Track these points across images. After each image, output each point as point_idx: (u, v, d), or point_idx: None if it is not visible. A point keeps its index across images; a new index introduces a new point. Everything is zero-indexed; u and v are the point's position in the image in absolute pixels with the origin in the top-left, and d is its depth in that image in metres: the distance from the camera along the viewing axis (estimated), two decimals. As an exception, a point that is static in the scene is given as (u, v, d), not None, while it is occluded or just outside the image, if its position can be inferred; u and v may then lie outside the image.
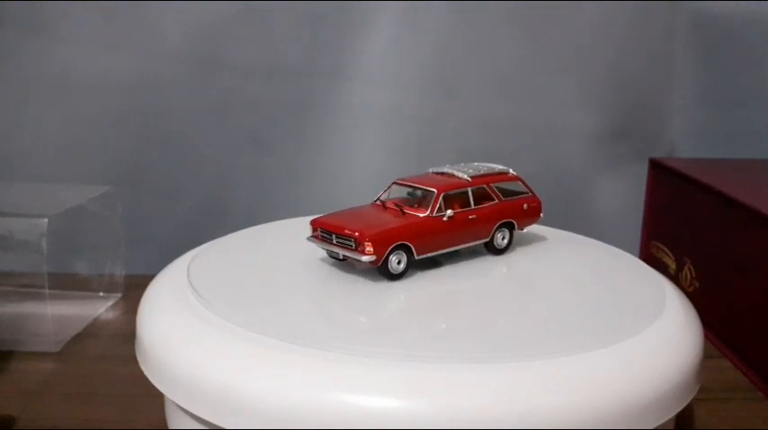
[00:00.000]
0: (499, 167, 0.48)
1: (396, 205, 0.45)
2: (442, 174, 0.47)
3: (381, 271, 0.42)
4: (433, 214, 0.43)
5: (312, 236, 0.45)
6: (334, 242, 0.43)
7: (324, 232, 0.44)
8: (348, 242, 0.42)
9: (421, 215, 0.43)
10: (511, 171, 0.48)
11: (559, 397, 0.32)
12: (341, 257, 0.43)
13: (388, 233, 0.42)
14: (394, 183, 0.46)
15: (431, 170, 0.48)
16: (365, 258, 0.41)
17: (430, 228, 0.43)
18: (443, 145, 0.73)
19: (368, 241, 0.41)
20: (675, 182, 0.68)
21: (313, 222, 0.44)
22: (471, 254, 0.47)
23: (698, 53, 0.74)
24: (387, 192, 0.46)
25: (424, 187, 0.45)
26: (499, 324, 0.38)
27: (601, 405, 0.32)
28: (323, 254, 0.46)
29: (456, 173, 0.46)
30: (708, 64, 0.74)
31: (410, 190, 0.46)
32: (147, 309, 0.41)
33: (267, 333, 0.35)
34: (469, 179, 0.46)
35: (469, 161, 0.50)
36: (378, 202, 0.46)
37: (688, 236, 0.66)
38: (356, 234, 0.41)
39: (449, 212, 0.44)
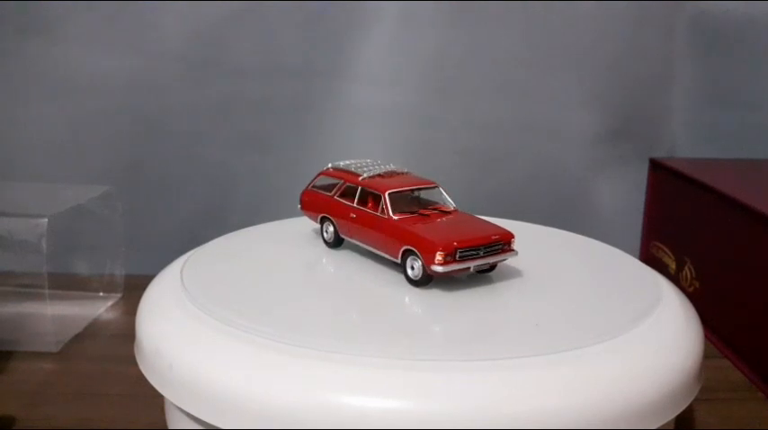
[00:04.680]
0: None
1: (434, 209, 0.45)
2: (393, 174, 0.47)
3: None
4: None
5: (451, 262, 0.40)
6: (482, 254, 0.41)
7: (467, 250, 0.41)
8: (495, 247, 0.42)
9: (454, 209, 0.45)
10: None
11: (559, 397, 0.32)
12: (487, 268, 0.42)
13: None
14: (388, 193, 0.44)
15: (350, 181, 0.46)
16: (513, 254, 0.42)
17: None
18: (443, 145, 0.73)
19: (513, 238, 0.42)
20: (675, 182, 0.68)
21: (447, 248, 0.40)
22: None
23: (698, 53, 0.74)
24: (388, 204, 0.43)
25: (428, 186, 0.46)
26: (497, 324, 0.38)
27: (601, 405, 0.32)
28: (323, 254, 0.46)
29: (397, 170, 0.47)
30: (708, 64, 0.74)
31: (408, 194, 0.46)
32: (146, 310, 0.41)
33: (265, 334, 0.35)
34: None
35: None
36: (412, 212, 0.44)
37: (688, 236, 0.66)
38: (505, 237, 0.42)
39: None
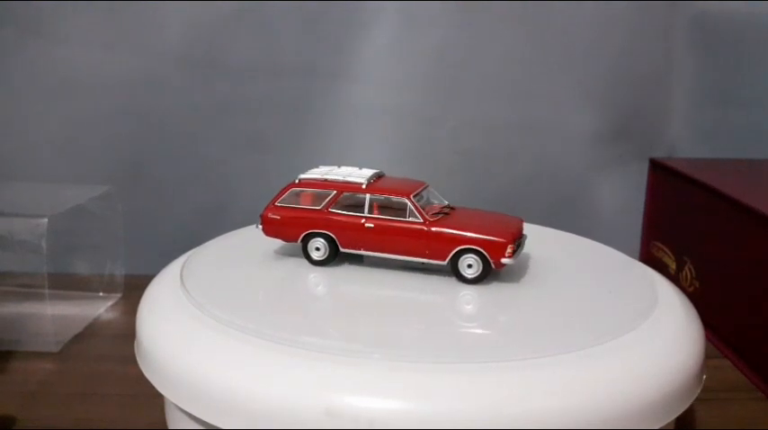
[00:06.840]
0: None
1: (445, 207, 0.45)
2: (379, 178, 0.46)
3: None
4: None
5: (513, 255, 0.42)
6: (520, 243, 0.44)
7: (518, 241, 0.43)
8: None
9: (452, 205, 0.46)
10: None
11: (559, 398, 0.32)
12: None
13: None
14: (410, 197, 0.43)
15: (321, 185, 0.46)
16: (525, 238, 0.45)
17: None
18: (443, 145, 0.73)
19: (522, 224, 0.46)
20: (675, 182, 0.68)
21: (511, 240, 0.42)
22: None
23: (698, 53, 0.74)
24: (420, 208, 0.43)
25: (424, 187, 0.46)
26: (497, 325, 0.38)
27: (601, 406, 0.32)
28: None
29: (379, 173, 0.47)
30: (708, 64, 0.74)
31: (419, 197, 0.45)
32: (146, 309, 0.41)
33: (265, 335, 0.35)
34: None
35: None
36: (435, 213, 0.44)
37: (688, 236, 0.66)
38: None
39: None
